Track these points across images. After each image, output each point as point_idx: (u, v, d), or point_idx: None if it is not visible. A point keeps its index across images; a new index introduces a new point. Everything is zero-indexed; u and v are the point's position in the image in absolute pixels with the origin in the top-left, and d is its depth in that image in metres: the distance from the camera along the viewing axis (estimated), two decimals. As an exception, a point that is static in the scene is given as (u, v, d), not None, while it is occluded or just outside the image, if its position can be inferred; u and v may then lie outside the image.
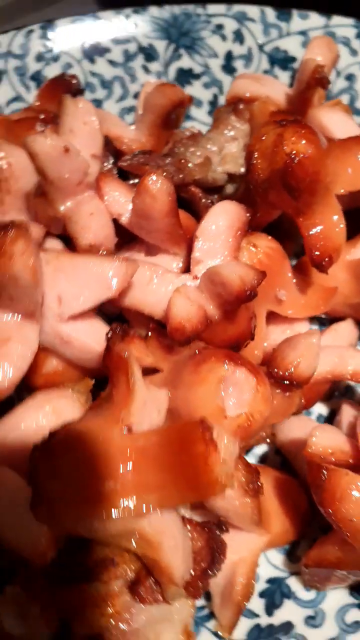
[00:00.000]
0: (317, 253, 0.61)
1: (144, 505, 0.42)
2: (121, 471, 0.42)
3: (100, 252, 0.63)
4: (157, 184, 0.58)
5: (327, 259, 0.60)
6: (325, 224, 0.61)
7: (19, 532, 0.49)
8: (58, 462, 0.43)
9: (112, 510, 0.42)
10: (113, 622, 0.51)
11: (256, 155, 0.60)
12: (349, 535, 0.48)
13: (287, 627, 0.55)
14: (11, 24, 1.13)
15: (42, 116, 0.76)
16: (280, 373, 0.55)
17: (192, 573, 0.50)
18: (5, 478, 0.52)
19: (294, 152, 0.57)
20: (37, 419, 0.55)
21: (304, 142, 0.57)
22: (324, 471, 0.48)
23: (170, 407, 0.50)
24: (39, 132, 0.61)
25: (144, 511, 0.42)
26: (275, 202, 0.61)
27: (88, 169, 0.67)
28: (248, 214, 0.61)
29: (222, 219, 0.61)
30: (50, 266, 0.55)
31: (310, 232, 0.61)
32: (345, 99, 0.85)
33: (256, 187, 0.61)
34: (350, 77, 0.85)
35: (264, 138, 0.60)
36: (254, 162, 0.60)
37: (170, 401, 0.50)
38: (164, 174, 0.64)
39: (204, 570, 0.51)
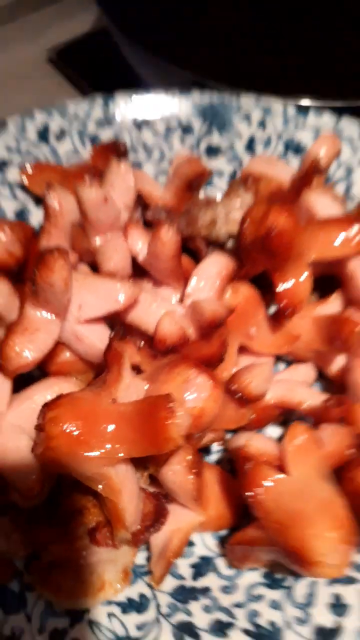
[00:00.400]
0: (284, 303, 0.81)
1: (116, 451, 0.61)
2: (104, 426, 0.61)
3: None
4: (168, 234, 0.79)
5: (291, 309, 0.81)
6: (294, 282, 0.82)
7: (18, 469, 0.69)
8: (60, 415, 0.63)
9: (92, 451, 0.61)
10: (73, 556, 0.70)
11: (247, 222, 0.82)
12: (261, 516, 0.66)
13: (205, 590, 0.73)
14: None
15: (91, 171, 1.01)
16: (234, 387, 0.75)
17: (139, 527, 0.70)
18: (14, 433, 0.73)
19: (274, 225, 0.78)
20: (46, 395, 0.76)
21: (283, 219, 0.79)
22: (250, 462, 0.67)
23: (147, 395, 0.70)
24: (87, 183, 0.85)
25: (116, 456, 0.61)
26: (256, 260, 0.83)
27: (120, 215, 0.91)
28: (235, 265, 0.83)
29: (214, 266, 0.83)
30: (78, 282, 0.77)
31: (281, 286, 0.82)
32: (342, 185, 1.07)
33: (244, 247, 0.83)
34: (349, 170, 1.08)
35: (255, 210, 0.82)
36: (245, 227, 0.82)
37: (148, 391, 0.70)
38: (176, 226, 0.87)
39: (147, 527, 0.70)
